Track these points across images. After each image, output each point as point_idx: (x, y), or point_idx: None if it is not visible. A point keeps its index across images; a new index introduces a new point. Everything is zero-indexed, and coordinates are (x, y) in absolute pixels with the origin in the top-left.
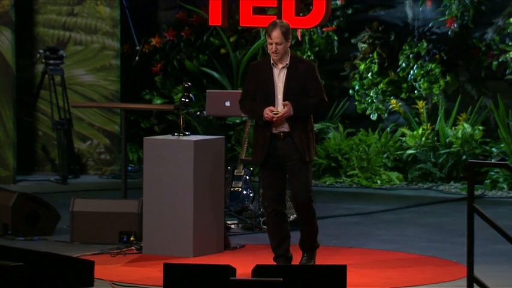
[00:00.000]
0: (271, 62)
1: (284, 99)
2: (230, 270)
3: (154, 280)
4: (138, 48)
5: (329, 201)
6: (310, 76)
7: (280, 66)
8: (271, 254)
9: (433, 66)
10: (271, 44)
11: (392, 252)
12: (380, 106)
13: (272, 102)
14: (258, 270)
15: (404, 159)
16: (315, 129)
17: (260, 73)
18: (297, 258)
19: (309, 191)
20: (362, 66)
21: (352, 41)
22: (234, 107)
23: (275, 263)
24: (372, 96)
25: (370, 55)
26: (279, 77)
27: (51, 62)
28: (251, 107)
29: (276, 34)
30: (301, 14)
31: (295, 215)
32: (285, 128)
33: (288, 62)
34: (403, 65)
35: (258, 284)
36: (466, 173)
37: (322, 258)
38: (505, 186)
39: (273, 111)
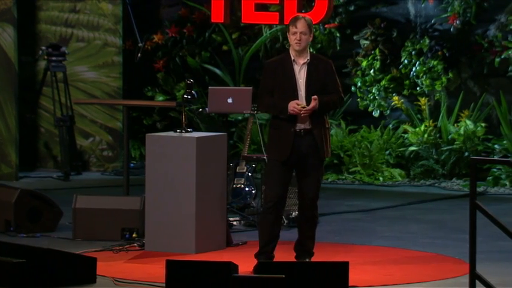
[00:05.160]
0: (292, 58)
1: (306, 95)
2: (232, 266)
3: (157, 277)
4: (140, 45)
5: (331, 197)
6: (329, 73)
7: (301, 62)
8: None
9: (435, 63)
10: (296, 33)
11: (394, 249)
12: (382, 103)
13: (295, 97)
14: (260, 267)
15: (407, 156)
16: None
17: (279, 69)
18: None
19: (319, 189)
20: (364, 63)
21: (355, 37)
22: (236, 104)
23: (256, 259)
24: (374, 93)
25: (373, 52)
26: (300, 74)
27: (54, 58)
28: (272, 102)
29: (302, 24)
30: (303, 11)
31: (297, 212)
32: (307, 124)
33: (308, 58)
34: (406, 61)
35: (260, 281)
36: (468, 169)
37: (324, 255)
38: (507, 183)
39: (299, 104)
